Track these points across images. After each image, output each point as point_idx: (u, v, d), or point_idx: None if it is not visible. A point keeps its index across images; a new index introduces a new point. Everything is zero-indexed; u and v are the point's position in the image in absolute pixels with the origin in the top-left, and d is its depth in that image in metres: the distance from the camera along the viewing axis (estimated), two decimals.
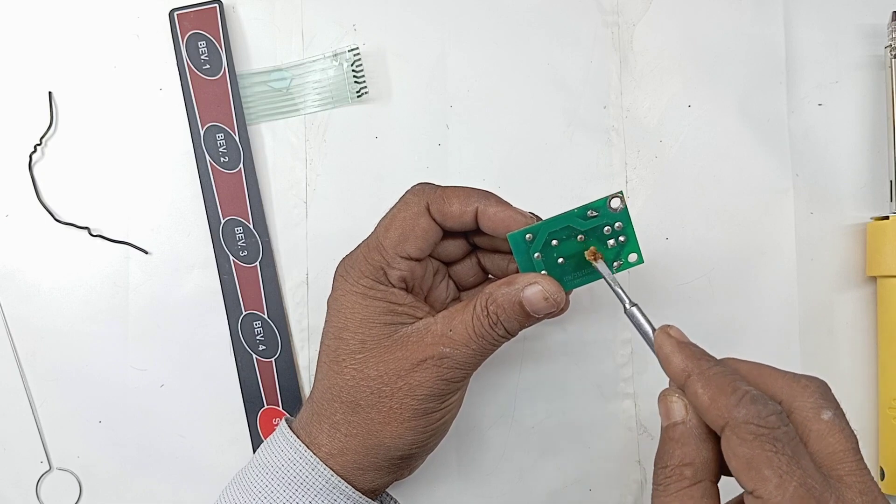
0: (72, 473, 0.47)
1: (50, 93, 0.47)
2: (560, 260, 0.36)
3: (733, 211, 0.48)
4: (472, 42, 0.48)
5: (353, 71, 0.47)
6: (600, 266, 0.36)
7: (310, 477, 0.37)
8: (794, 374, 0.31)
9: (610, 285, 0.35)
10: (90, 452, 0.47)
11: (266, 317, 0.47)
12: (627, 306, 0.35)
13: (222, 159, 0.47)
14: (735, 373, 0.30)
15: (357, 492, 0.37)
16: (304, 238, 0.48)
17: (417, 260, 0.37)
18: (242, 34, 0.48)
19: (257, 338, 0.47)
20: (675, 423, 0.31)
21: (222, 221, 0.47)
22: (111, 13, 0.48)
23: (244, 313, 0.47)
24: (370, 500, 0.38)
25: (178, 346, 0.47)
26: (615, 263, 0.37)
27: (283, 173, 0.48)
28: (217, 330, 0.47)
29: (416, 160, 0.48)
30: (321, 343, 0.39)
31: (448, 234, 0.38)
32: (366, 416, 0.36)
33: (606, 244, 0.36)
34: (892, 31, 0.46)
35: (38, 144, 0.47)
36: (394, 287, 0.37)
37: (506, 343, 0.37)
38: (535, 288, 0.35)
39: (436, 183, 0.38)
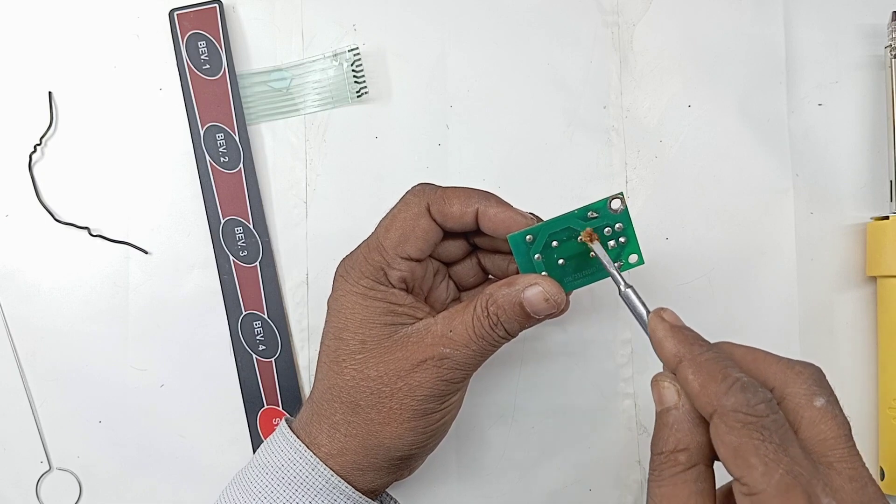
0: (72, 473, 0.47)
1: (50, 93, 0.47)
2: (560, 261, 0.36)
3: (733, 211, 0.48)
4: (472, 42, 0.48)
5: (353, 71, 0.47)
6: (596, 247, 0.35)
7: (310, 477, 0.37)
8: (789, 360, 0.31)
9: (606, 267, 0.35)
10: (90, 452, 0.47)
11: (266, 317, 0.47)
12: (623, 288, 0.34)
13: (222, 159, 0.47)
14: (727, 359, 0.30)
15: (357, 492, 0.37)
16: (304, 238, 0.48)
17: (418, 260, 0.37)
18: (242, 34, 0.48)
19: (257, 338, 0.47)
20: (668, 408, 0.31)
21: (222, 221, 0.47)
22: (111, 13, 0.48)
23: (244, 313, 0.47)
24: (370, 500, 0.38)
25: (178, 346, 0.47)
26: (616, 264, 0.37)
27: (283, 173, 0.48)
28: (217, 330, 0.47)
29: (416, 160, 0.48)
30: (321, 343, 0.39)
31: (448, 234, 0.38)
32: (366, 417, 0.36)
33: (607, 245, 0.36)
34: (892, 31, 0.46)
35: (38, 144, 0.47)
36: (394, 287, 0.37)
37: (506, 343, 0.37)
38: (536, 289, 0.35)
39: (436, 183, 0.38)
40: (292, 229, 0.48)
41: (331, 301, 0.38)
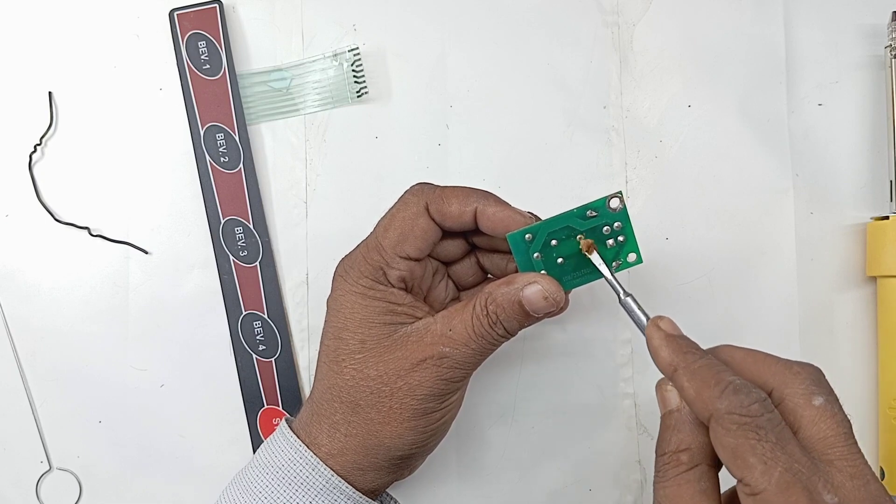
0: (72, 473, 0.47)
1: (50, 93, 0.48)
2: (559, 260, 0.36)
3: (733, 211, 0.48)
4: (472, 42, 0.48)
5: (353, 71, 0.47)
6: (594, 257, 0.36)
7: (310, 477, 0.37)
8: (787, 361, 0.31)
9: (604, 276, 0.35)
10: (90, 452, 0.47)
11: (266, 317, 0.47)
12: (622, 297, 0.35)
13: (222, 159, 0.47)
14: (720, 364, 0.30)
15: (357, 492, 0.37)
16: (304, 238, 0.48)
17: (417, 260, 0.37)
18: (242, 34, 0.48)
19: (257, 338, 0.47)
20: (671, 410, 0.32)
21: (222, 221, 0.47)
22: (111, 13, 0.48)
23: (244, 313, 0.47)
24: (370, 500, 0.38)
25: (178, 346, 0.47)
26: (614, 263, 0.37)
27: (283, 173, 0.48)
28: (217, 330, 0.47)
29: (416, 160, 0.48)
30: (321, 343, 0.39)
31: (447, 234, 0.38)
32: (365, 416, 0.36)
33: (606, 244, 0.36)
34: (892, 31, 0.46)
35: (38, 144, 0.47)
36: (393, 287, 0.37)
37: (506, 343, 0.37)
38: (535, 287, 0.35)
39: (435, 183, 0.38)
40: (292, 229, 0.48)
41: (330, 301, 0.38)
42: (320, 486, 0.37)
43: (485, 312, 0.35)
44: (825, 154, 0.48)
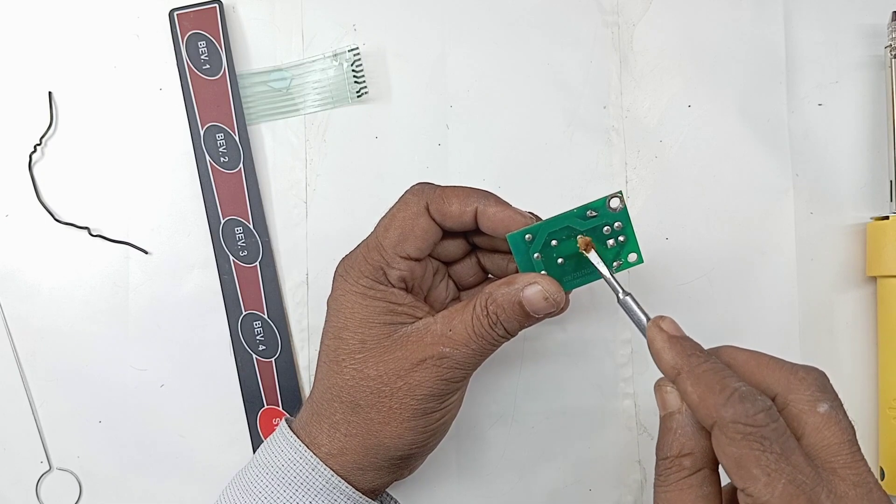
0: (72, 473, 0.47)
1: (50, 93, 0.48)
2: (560, 260, 0.36)
3: (733, 211, 0.48)
4: (472, 42, 0.48)
5: (353, 71, 0.47)
6: (592, 256, 0.35)
7: (310, 477, 0.37)
8: (793, 365, 0.31)
9: (603, 275, 0.35)
10: (90, 452, 0.47)
11: (266, 317, 0.47)
12: (620, 296, 0.34)
13: (222, 159, 0.47)
14: (725, 369, 0.30)
15: (357, 492, 0.37)
16: (304, 238, 0.48)
17: (417, 260, 0.37)
18: (242, 34, 0.48)
19: (257, 338, 0.47)
20: (672, 412, 0.31)
21: (222, 221, 0.47)
22: (111, 13, 0.48)
23: (244, 313, 0.47)
24: (370, 500, 0.38)
25: (178, 346, 0.47)
26: (615, 263, 0.37)
27: (283, 173, 0.48)
28: (217, 330, 0.47)
29: (416, 160, 0.48)
30: (321, 343, 0.39)
31: (448, 233, 0.38)
32: (365, 416, 0.36)
33: (606, 244, 0.36)
34: (892, 31, 0.46)
35: (38, 144, 0.47)
36: (393, 287, 0.37)
37: (506, 343, 0.37)
38: (535, 288, 0.35)
39: (435, 183, 0.38)
40: (292, 229, 0.48)
41: (330, 301, 0.38)
42: (320, 486, 0.36)
43: (485, 313, 0.35)
44: (825, 154, 0.48)
